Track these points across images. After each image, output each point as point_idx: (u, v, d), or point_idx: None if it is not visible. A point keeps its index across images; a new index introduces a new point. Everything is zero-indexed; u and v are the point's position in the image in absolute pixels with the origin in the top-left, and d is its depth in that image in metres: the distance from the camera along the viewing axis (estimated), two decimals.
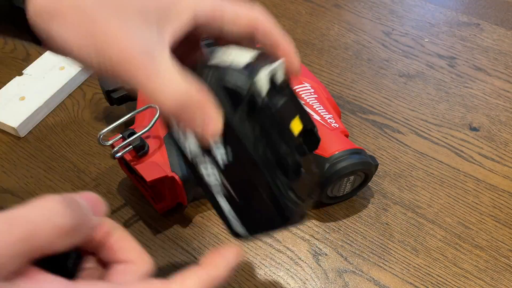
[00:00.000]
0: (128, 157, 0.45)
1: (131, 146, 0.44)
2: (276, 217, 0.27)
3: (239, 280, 0.45)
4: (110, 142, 0.45)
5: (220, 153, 0.25)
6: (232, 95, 0.24)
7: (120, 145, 0.44)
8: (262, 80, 0.24)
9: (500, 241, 0.48)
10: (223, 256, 0.25)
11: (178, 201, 0.48)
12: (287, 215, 0.27)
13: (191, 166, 0.27)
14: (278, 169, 0.26)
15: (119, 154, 0.44)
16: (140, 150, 0.45)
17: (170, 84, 0.22)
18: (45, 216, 0.20)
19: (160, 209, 0.48)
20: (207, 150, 0.25)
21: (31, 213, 0.19)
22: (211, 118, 0.24)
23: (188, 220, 0.49)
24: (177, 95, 0.22)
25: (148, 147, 0.46)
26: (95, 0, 0.22)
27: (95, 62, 0.22)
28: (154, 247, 0.47)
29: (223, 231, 0.48)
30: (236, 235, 0.30)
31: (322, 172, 0.45)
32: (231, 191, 0.27)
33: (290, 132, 0.26)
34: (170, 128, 0.27)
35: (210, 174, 0.26)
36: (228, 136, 0.24)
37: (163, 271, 0.46)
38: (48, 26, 0.22)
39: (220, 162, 0.26)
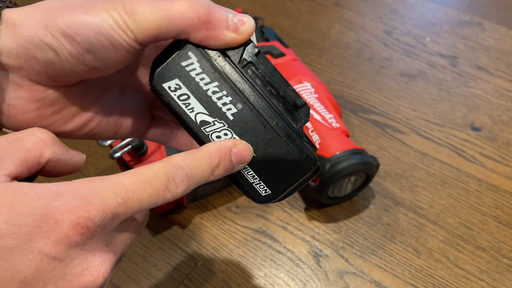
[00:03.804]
0: (126, 158, 0.45)
1: (129, 146, 0.44)
2: (300, 162, 0.26)
3: (238, 282, 0.44)
4: (109, 142, 0.45)
5: (226, 104, 0.25)
6: (223, 52, 0.25)
7: (118, 145, 0.44)
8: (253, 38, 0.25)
9: (502, 242, 0.47)
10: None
11: (177, 201, 0.48)
12: (311, 158, 0.26)
13: (196, 135, 0.26)
14: (289, 113, 0.26)
15: (118, 154, 0.43)
16: (139, 150, 0.45)
17: None
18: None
19: (159, 209, 0.48)
20: (213, 107, 0.25)
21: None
22: (241, 14, 0.24)
23: (187, 221, 0.49)
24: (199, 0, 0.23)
25: (147, 147, 0.45)
26: None
27: (119, 20, 0.22)
28: (152, 248, 0.47)
29: (222, 232, 0.48)
30: (257, 199, 0.28)
31: (323, 172, 0.45)
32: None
33: (286, 81, 0.26)
34: (170, 105, 0.25)
35: (221, 135, 0.26)
36: (233, 83, 0.25)
37: (162, 272, 0.45)
38: (46, 17, 0.22)
39: (228, 114, 0.25)
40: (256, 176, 0.27)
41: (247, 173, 0.27)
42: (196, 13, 0.22)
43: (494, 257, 0.46)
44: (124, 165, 0.49)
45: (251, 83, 0.25)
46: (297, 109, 0.26)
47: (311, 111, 0.48)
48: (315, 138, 0.47)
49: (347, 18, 0.74)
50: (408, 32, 0.71)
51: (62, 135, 0.26)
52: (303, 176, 0.27)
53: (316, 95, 0.50)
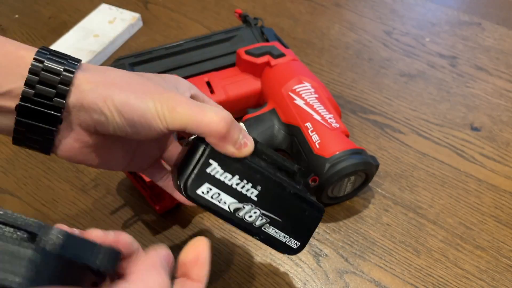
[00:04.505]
0: None
1: None
2: (313, 213, 0.35)
3: (239, 281, 0.45)
4: None
5: (249, 189, 0.32)
6: None
7: None
8: None
9: (502, 242, 0.48)
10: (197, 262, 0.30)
11: (177, 201, 0.48)
12: (320, 207, 0.35)
13: (233, 221, 0.32)
14: (292, 179, 0.34)
15: None
16: None
17: (219, 112, 0.30)
18: None
19: (160, 209, 0.48)
20: (240, 195, 0.31)
21: None
22: (248, 137, 0.32)
23: (188, 221, 0.49)
24: (226, 118, 0.30)
25: None
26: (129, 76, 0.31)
27: (159, 111, 0.29)
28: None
29: (222, 232, 0.48)
30: (292, 252, 0.36)
31: (323, 172, 0.45)
32: (271, 215, 0.33)
33: (280, 156, 0.34)
34: (207, 206, 0.31)
35: (252, 214, 0.32)
36: (250, 172, 0.31)
37: None
38: (107, 92, 0.29)
39: (253, 196, 0.32)
40: (286, 236, 0.34)
41: (279, 235, 0.34)
42: (219, 129, 0.29)
43: (493, 256, 0.46)
44: None
45: (261, 167, 0.32)
46: (295, 174, 0.34)
47: (311, 111, 0.49)
48: (315, 138, 0.47)
49: (347, 19, 0.74)
50: (407, 33, 0.72)
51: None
52: (318, 221, 0.35)
53: (316, 95, 0.50)
